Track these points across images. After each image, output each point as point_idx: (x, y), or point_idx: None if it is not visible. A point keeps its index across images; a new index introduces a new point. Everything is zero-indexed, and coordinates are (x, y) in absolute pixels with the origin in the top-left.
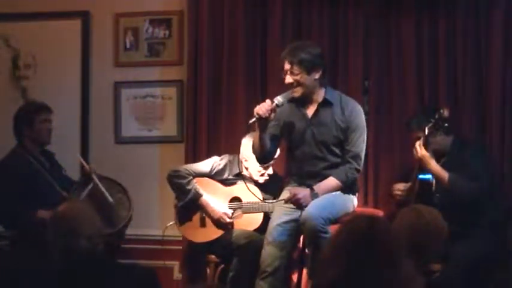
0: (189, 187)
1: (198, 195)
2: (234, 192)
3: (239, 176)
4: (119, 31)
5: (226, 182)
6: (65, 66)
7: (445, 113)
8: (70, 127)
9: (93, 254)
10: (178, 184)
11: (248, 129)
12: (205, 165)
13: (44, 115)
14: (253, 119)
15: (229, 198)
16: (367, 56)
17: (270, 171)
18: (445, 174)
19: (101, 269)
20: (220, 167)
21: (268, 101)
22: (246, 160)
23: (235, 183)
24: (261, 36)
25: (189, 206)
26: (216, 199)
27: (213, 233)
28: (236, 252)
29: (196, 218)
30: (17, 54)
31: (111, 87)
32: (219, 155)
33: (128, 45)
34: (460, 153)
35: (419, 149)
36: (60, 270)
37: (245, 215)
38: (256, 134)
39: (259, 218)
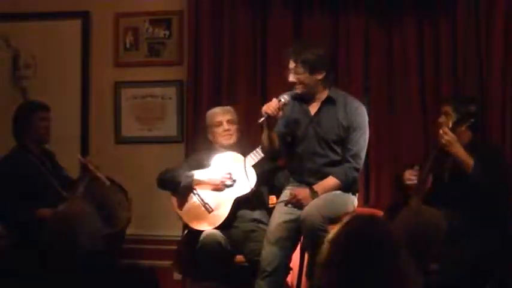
0: (179, 177)
1: (190, 177)
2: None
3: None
4: (119, 31)
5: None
6: (65, 66)
7: (473, 108)
8: (70, 127)
9: (93, 254)
10: (169, 178)
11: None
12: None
13: (40, 113)
14: (263, 118)
15: None
16: (367, 56)
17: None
18: (470, 160)
19: (101, 269)
20: (198, 156)
21: (275, 100)
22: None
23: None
24: (261, 36)
25: (186, 194)
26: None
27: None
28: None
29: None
30: (17, 54)
31: (111, 87)
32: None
33: (128, 45)
34: (474, 150)
35: (448, 132)
36: (60, 270)
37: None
38: (265, 133)
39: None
